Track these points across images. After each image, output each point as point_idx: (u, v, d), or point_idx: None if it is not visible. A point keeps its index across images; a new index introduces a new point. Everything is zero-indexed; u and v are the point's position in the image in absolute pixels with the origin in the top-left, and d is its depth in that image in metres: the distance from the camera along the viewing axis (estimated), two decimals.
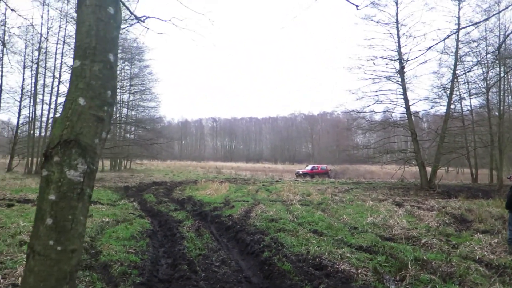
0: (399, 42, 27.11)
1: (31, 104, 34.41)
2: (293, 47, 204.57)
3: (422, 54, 11.94)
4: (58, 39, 33.17)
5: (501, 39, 26.19)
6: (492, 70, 31.45)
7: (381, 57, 27.36)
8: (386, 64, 27.78)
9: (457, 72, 27.79)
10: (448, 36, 8.58)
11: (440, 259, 7.40)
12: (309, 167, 48.83)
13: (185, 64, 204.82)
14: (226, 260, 7.52)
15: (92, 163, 2.78)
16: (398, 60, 27.04)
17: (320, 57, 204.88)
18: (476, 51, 28.57)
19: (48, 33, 33.25)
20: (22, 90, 34.48)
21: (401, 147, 37.83)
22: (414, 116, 28.25)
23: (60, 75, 32.90)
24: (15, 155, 33.76)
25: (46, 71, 34.14)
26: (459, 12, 26.39)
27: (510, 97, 34.14)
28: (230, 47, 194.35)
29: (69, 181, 2.66)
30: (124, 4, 4.69)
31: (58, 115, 3.65)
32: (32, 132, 34.40)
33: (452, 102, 27.91)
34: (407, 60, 23.17)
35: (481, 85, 33.09)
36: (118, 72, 40.30)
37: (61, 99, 31.13)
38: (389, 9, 27.81)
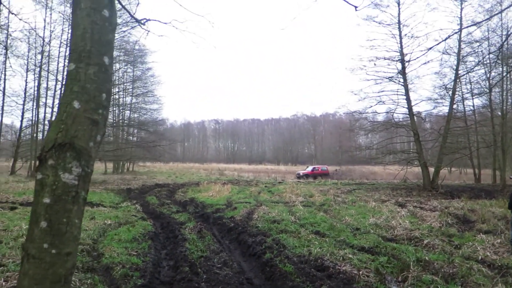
0: (401, 42, 27.10)
1: (34, 107, 34.49)
2: (293, 47, 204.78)
3: (423, 54, 12.01)
4: (60, 42, 33.24)
5: (503, 39, 26.17)
6: (494, 70, 31.40)
7: (383, 58, 27.39)
8: (388, 64, 27.82)
9: (459, 72, 27.73)
10: (449, 36, 8.57)
11: (442, 259, 7.38)
12: (310, 168, 48.79)
13: (187, 66, 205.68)
14: (228, 262, 7.52)
15: (87, 166, 2.78)
16: (400, 61, 27.00)
17: (320, 57, 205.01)
18: (479, 51, 28.51)
19: (50, 36, 33.39)
20: (25, 93, 34.61)
21: (404, 147, 37.82)
22: (416, 116, 28.26)
23: (63, 78, 32.89)
24: (18, 158, 33.83)
25: (49, 74, 34.25)
26: (461, 12, 26.36)
27: None
28: (230, 49, 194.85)
29: (64, 184, 2.66)
30: (124, 7, 4.71)
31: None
32: (35, 135, 34.44)
33: (454, 102, 27.87)
34: (408, 61, 23.24)
35: (484, 85, 33.03)
36: (121, 74, 40.62)
37: None
38: (391, 9, 27.96)
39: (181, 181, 33.58)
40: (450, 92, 27.46)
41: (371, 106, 29.50)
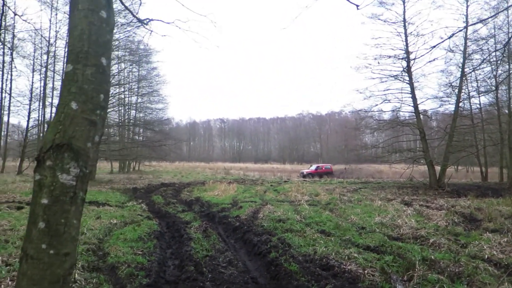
0: (406, 40, 27.01)
1: (40, 107, 34.76)
2: (292, 47, 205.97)
3: (427, 52, 11.93)
4: (66, 42, 33.37)
5: (510, 36, 25.98)
6: (501, 68, 31.20)
7: (388, 56, 27.29)
8: (394, 63, 27.71)
9: (465, 70, 27.56)
10: (453, 34, 8.52)
11: (448, 258, 7.34)
12: (313, 167, 48.68)
13: (193, 65, 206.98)
14: (233, 261, 7.52)
15: (85, 166, 2.79)
16: (405, 59, 26.90)
17: (320, 56, 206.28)
18: (485, 49, 28.31)
19: (56, 36, 33.58)
20: (31, 93, 34.86)
21: (410, 146, 37.62)
22: (422, 115, 28.09)
23: None
24: (25, 158, 34.02)
25: (55, 74, 34.47)
26: (467, 9, 26.18)
27: None
28: (231, 48, 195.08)
29: (62, 185, 2.67)
30: (127, 8, 4.72)
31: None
32: (41, 135, 34.66)
33: (460, 100, 27.70)
34: (414, 59, 23.10)
35: (490, 82, 32.82)
36: (126, 74, 40.68)
37: None
38: (396, 7, 27.85)
39: (186, 180, 33.66)
40: (456, 90, 27.32)
41: (377, 105, 29.44)
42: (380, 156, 34.97)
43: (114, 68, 36.24)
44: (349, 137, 64.93)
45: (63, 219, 2.66)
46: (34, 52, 35.10)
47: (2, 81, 33.01)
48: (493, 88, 31.68)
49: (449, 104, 29.17)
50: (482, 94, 34.37)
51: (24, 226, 9.33)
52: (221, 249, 8.52)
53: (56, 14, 33.62)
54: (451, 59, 31.41)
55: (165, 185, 26.99)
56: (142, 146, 40.28)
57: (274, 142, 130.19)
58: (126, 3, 26.30)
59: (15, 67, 32.12)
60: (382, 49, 28.14)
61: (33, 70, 35.02)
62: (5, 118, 36.01)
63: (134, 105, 44.53)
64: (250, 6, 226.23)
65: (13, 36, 30.20)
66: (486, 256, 7.63)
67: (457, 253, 7.91)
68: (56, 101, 34.58)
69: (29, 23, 30.56)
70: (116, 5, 28.48)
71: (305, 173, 45.44)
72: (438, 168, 26.56)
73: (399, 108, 29.96)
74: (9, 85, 33.83)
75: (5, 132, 38.19)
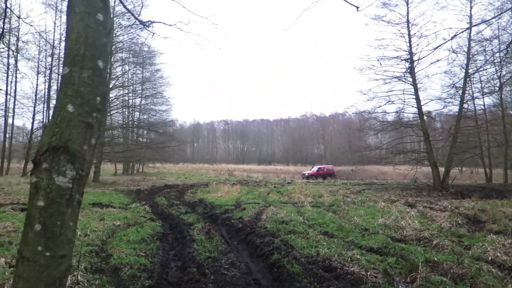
0: (410, 42, 26.97)
1: (45, 109, 34.87)
2: (293, 48, 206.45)
3: (429, 54, 11.90)
4: None
5: None
6: (505, 68, 31.06)
7: (392, 57, 27.26)
8: (397, 64, 27.68)
9: (469, 71, 27.48)
10: (456, 35, 8.49)
11: (451, 260, 7.32)
12: (315, 168, 48.58)
13: (194, 67, 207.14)
14: (235, 263, 7.53)
15: (81, 169, 2.80)
16: (408, 60, 26.85)
17: (321, 57, 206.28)
18: (488, 50, 28.22)
19: (60, 38, 33.70)
20: (35, 95, 35.02)
21: (414, 147, 37.54)
22: (426, 116, 28.04)
23: None
24: (29, 160, 34.12)
25: (59, 76, 34.50)
26: (470, 10, 26.14)
27: None
28: (235, 48, 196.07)
29: (58, 187, 2.68)
30: (129, 10, 4.74)
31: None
32: None
33: (464, 101, 27.59)
34: (418, 60, 23.04)
35: (494, 83, 32.69)
36: (130, 76, 40.76)
37: None
38: (400, 9, 27.70)
39: (190, 182, 33.69)
40: (460, 91, 27.22)
41: (380, 106, 29.46)
42: (384, 158, 34.95)
43: (118, 70, 36.40)
44: (353, 138, 64.98)
45: (59, 221, 2.67)
46: (39, 55, 35.31)
47: (7, 83, 33.18)
48: (497, 88, 31.57)
49: (453, 105, 29.07)
50: (486, 95, 34.24)
51: None
52: (223, 250, 8.52)
53: (60, 17, 33.78)
54: (453, 60, 31.27)
55: (169, 187, 27.01)
56: (146, 148, 40.37)
57: (278, 143, 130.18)
58: (129, 6, 26.50)
59: (18, 69, 32.18)
60: (386, 50, 28.14)
61: (38, 73, 35.22)
62: (9, 120, 36.22)
63: (138, 107, 44.62)
64: (250, 7, 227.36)
65: (17, 39, 30.36)
66: (490, 257, 7.59)
67: (460, 254, 7.89)
68: None
69: (31, 25, 30.80)
70: (120, 8, 28.67)
71: (306, 174, 45.37)
72: (442, 170, 26.49)
73: (402, 109, 29.95)
74: (13, 87, 33.96)
75: (10, 134, 38.39)
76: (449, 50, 24.97)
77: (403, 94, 27.99)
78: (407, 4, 26.80)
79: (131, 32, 31.64)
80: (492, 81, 33.14)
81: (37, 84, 35.15)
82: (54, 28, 33.68)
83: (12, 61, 33.01)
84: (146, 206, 15.75)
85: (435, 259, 7.34)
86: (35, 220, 2.65)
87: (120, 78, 36.94)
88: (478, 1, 26.38)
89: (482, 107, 35.61)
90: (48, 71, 34.21)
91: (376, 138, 61.33)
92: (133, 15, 4.93)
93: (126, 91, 39.47)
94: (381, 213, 13.67)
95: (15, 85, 33.82)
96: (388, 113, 33.04)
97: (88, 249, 7.57)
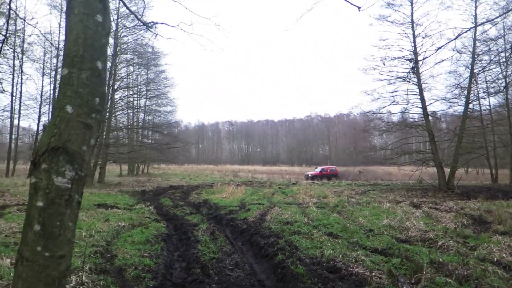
0: (414, 42, 26.90)
1: (50, 110, 34.97)
2: (293, 48, 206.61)
3: (433, 54, 11.83)
4: None
5: None
6: (511, 68, 30.89)
7: (396, 58, 27.18)
8: (402, 64, 27.59)
9: (474, 71, 27.35)
10: (460, 34, 8.45)
11: (456, 261, 7.28)
12: (318, 169, 48.36)
13: (197, 68, 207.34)
14: (239, 264, 7.52)
15: (80, 169, 2.81)
16: (412, 60, 26.74)
17: (322, 55, 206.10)
18: (494, 49, 28.08)
19: None
20: (41, 97, 35.17)
21: (419, 148, 37.42)
22: (431, 116, 27.93)
23: None
24: None
25: None
26: (475, 10, 26.05)
27: None
28: (236, 48, 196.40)
29: (57, 187, 2.70)
30: (131, 12, 4.76)
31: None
32: None
33: (470, 101, 27.48)
34: (423, 59, 22.94)
35: (500, 83, 32.50)
36: (135, 77, 40.87)
37: None
38: (404, 9, 27.62)
39: (195, 183, 33.75)
40: (465, 91, 27.11)
41: (385, 106, 29.34)
42: (389, 158, 34.84)
43: (123, 71, 36.53)
44: (358, 139, 64.78)
45: (58, 221, 2.68)
46: (44, 56, 35.50)
47: (12, 85, 33.38)
48: (503, 88, 31.39)
49: (458, 105, 28.94)
50: (491, 95, 34.04)
51: None
52: (228, 251, 8.52)
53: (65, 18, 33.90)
54: (458, 60, 31.08)
55: (174, 188, 27.07)
56: (151, 149, 40.48)
57: (283, 144, 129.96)
58: (132, 8, 26.55)
59: (22, 71, 32.34)
60: (390, 50, 28.04)
61: (43, 74, 35.40)
62: (15, 122, 36.39)
63: (143, 108, 44.73)
64: (251, 8, 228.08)
65: (23, 41, 30.52)
66: (495, 258, 7.55)
67: (465, 255, 7.85)
68: None
69: (34, 27, 30.79)
70: (124, 9, 28.74)
71: (309, 175, 45.25)
72: (447, 170, 26.37)
73: (407, 110, 29.86)
74: (19, 89, 34.17)
75: (16, 136, 38.56)
76: (454, 50, 24.84)
77: (408, 94, 27.94)
78: (412, 4, 26.74)
79: (136, 33, 31.78)
80: (497, 81, 32.98)
81: (42, 86, 35.34)
82: (59, 29, 33.89)
83: (17, 62, 33.24)
84: (151, 207, 15.79)
85: (440, 260, 7.31)
86: (35, 220, 2.66)
87: (124, 79, 37.10)
88: (483, 1, 26.32)
89: (488, 107, 35.45)
90: (53, 73, 34.36)
91: (381, 139, 61.07)
92: (136, 16, 4.95)
93: (131, 92, 39.63)
94: (386, 214, 13.63)
95: (21, 86, 34.06)
96: (393, 113, 32.87)
97: (93, 250, 7.60)
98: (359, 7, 4.97)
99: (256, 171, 61.34)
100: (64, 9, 32.80)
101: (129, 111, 41.53)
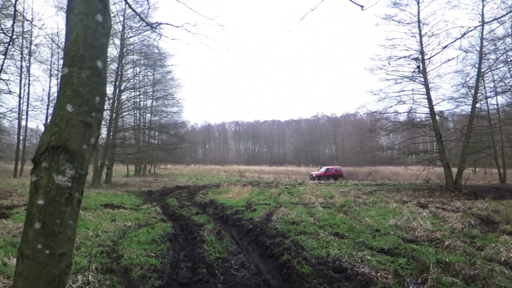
0: (421, 41, 26.77)
1: None
2: (295, 48, 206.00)
3: (438, 53, 11.84)
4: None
5: None
6: None
7: (402, 57, 27.09)
8: (408, 64, 27.47)
9: (482, 70, 27.16)
10: (465, 33, 8.43)
11: (463, 261, 7.24)
12: (323, 169, 48.16)
13: (203, 68, 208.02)
14: (245, 263, 7.52)
15: (80, 168, 2.83)
16: (420, 60, 26.62)
17: (323, 55, 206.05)
18: (501, 48, 27.87)
19: None
20: (48, 98, 35.42)
21: (426, 147, 37.21)
22: (438, 116, 27.77)
23: None
24: None
25: None
26: (482, 9, 25.86)
27: None
28: (239, 48, 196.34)
29: (57, 186, 2.72)
30: (135, 12, 4.78)
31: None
32: None
33: (477, 100, 27.28)
34: (429, 58, 22.87)
35: (508, 82, 32.24)
36: (141, 78, 41.00)
37: None
38: (411, 8, 27.43)
39: (201, 183, 33.81)
40: (473, 91, 26.92)
41: (392, 106, 29.22)
42: (396, 158, 34.70)
43: (129, 72, 36.64)
44: (365, 139, 64.58)
45: (58, 219, 2.70)
46: (51, 57, 35.75)
47: (20, 86, 33.63)
48: (510, 87, 31.12)
49: (466, 105, 28.73)
50: (499, 94, 33.77)
51: None
52: (233, 251, 8.53)
53: None
54: (464, 59, 30.83)
55: (180, 188, 27.13)
56: (157, 149, 40.57)
57: (289, 144, 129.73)
58: (138, 9, 26.65)
59: (29, 72, 32.58)
60: (396, 50, 27.91)
61: (50, 75, 35.67)
62: (23, 123, 36.66)
63: (149, 109, 44.90)
64: (252, 8, 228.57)
65: (30, 42, 30.73)
66: (503, 258, 7.50)
67: (472, 255, 7.80)
68: None
69: (40, 28, 31.03)
70: (130, 10, 28.84)
71: (314, 175, 45.16)
72: (455, 170, 26.20)
73: (414, 109, 29.72)
74: (26, 90, 34.43)
75: (24, 136, 38.84)
76: (461, 49, 24.67)
77: (415, 94, 27.83)
78: (418, 3, 26.61)
79: (141, 34, 31.88)
80: (505, 80, 32.69)
81: (49, 87, 35.59)
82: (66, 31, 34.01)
83: (24, 64, 33.47)
84: (157, 207, 15.84)
85: (447, 260, 7.27)
86: (35, 218, 2.68)
87: (131, 80, 37.25)
88: (490, 0, 26.11)
89: (496, 106, 35.19)
90: (60, 74, 34.56)
91: (388, 139, 60.87)
92: (140, 17, 4.98)
93: (138, 93, 39.78)
94: (393, 214, 13.58)
95: (28, 87, 34.34)
96: (400, 113, 32.73)
97: (99, 250, 7.63)
98: (362, 6, 4.95)
99: (262, 171, 61.32)
100: None
101: (135, 112, 41.70)
